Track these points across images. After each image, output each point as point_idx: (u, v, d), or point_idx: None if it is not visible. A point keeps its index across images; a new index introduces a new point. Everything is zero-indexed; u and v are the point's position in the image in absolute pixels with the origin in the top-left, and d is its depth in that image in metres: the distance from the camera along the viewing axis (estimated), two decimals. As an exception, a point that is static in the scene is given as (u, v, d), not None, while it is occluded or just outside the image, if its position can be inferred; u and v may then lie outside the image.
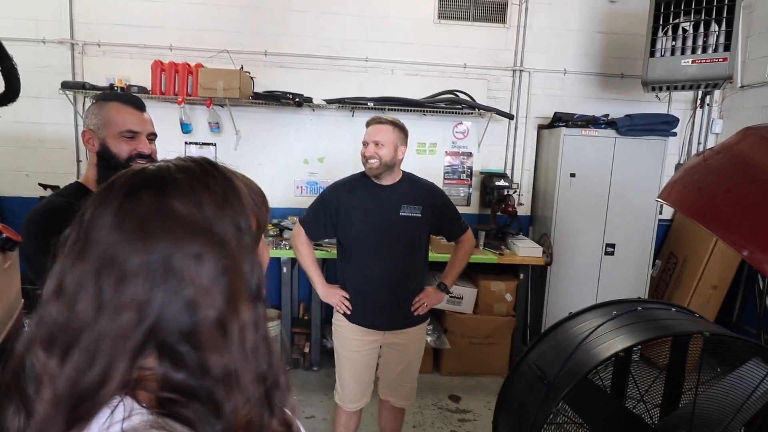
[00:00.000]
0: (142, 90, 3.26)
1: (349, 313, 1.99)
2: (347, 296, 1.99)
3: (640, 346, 1.52)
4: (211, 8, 3.42)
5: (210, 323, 0.49)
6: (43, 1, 3.30)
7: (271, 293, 3.59)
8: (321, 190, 3.61)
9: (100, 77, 3.30)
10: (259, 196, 0.60)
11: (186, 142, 3.52)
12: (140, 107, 1.24)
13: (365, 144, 1.92)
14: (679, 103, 3.78)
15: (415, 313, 2.01)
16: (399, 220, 1.93)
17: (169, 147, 3.50)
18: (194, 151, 3.54)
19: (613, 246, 3.51)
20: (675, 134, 3.44)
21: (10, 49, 3.28)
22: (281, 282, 3.26)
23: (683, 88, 3.19)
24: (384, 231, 1.92)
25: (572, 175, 3.46)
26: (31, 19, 3.30)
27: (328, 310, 3.77)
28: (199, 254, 0.49)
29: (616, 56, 3.68)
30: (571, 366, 1.60)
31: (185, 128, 3.41)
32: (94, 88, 3.22)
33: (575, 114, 3.52)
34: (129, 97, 1.25)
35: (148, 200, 0.50)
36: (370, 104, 3.35)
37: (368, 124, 1.95)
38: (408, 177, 2.02)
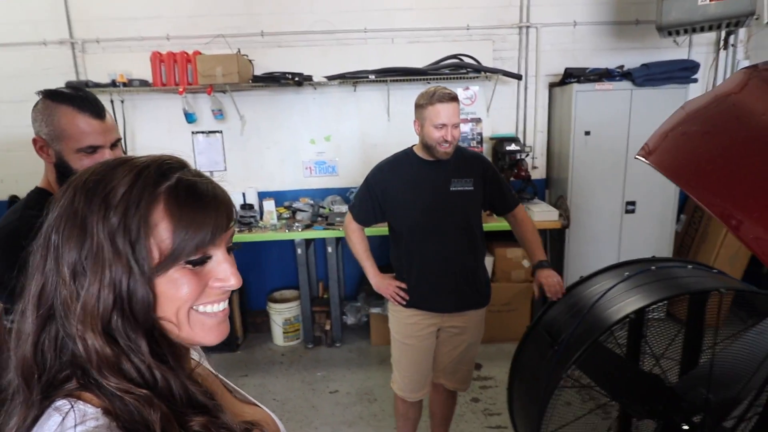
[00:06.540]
0: (144, 83, 3.27)
1: (404, 303, 1.88)
2: (402, 286, 1.88)
3: (665, 303, 1.47)
4: (203, -8, 3.36)
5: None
6: (39, 1, 3.31)
7: (289, 274, 3.65)
8: (330, 170, 3.66)
9: (102, 74, 3.32)
10: (213, 210, 0.54)
11: (192, 132, 3.54)
12: (98, 113, 1.05)
13: (441, 126, 1.70)
14: (700, 47, 3.54)
15: (554, 298, 1.76)
16: (450, 195, 1.79)
17: (176, 138, 3.54)
18: (201, 141, 3.56)
19: (633, 204, 3.38)
20: (696, 80, 3.23)
21: (14, 54, 3.37)
22: (297, 263, 3.30)
23: (703, 29, 2.96)
24: (435, 209, 1.79)
25: (587, 133, 3.32)
26: (29, 22, 3.32)
27: (347, 288, 3.83)
28: (77, 266, 0.50)
29: (629, 1, 3.45)
30: (581, 331, 1.57)
31: (189, 118, 3.42)
32: (97, 85, 3.25)
33: (587, 68, 3.35)
34: (84, 101, 1.03)
35: (77, 200, 0.51)
36: (372, 77, 3.26)
37: (437, 101, 1.69)
38: (455, 148, 1.82)
